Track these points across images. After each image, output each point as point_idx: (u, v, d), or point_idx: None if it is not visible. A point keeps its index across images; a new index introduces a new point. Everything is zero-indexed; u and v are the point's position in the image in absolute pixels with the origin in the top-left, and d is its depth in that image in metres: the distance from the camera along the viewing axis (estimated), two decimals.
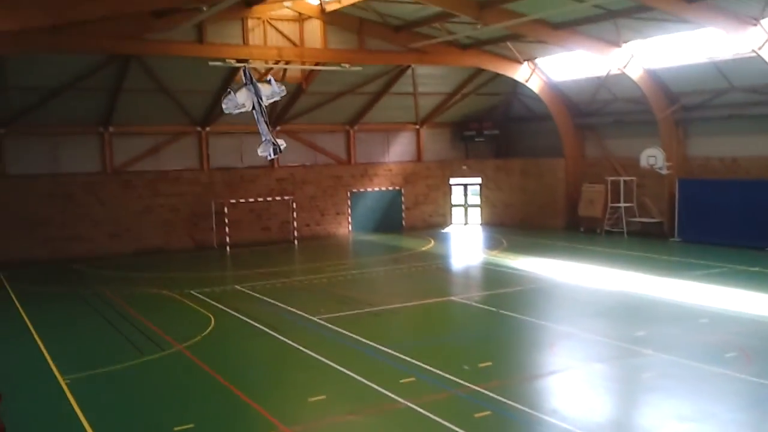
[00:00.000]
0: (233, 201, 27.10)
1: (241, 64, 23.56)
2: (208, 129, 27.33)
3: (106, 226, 25.80)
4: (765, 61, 20.12)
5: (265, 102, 7.91)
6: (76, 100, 23.88)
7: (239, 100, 7.77)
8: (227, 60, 23.23)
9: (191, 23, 20.66)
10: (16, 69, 21.81)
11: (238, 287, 19.20)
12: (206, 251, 26.51)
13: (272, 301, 17.23)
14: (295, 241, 27.91)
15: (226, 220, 26.61)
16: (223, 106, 7.87)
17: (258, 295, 17.95)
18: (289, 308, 16.31)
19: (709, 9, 19.30)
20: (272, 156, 7.94)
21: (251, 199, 27.67)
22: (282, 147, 7.86)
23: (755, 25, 19.66)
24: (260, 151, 7.90)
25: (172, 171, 26.92)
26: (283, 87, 8.16)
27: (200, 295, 17.97)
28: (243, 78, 7.91)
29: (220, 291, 18.76)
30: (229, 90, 7.83)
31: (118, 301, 17.68)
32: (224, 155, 27.91)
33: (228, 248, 26.39)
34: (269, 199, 28.15)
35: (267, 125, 7.75)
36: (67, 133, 25.15)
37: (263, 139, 7.81)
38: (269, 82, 8.04)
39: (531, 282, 18.80)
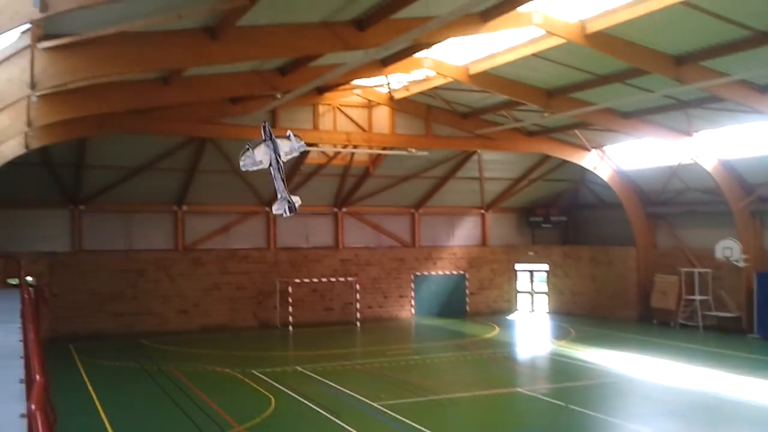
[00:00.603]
0: (297, 281, 27.35)
1: (311, 148, 24.31)
2: None
3: (175, 302, 26.35)
4: None
5: (284, 158, 7.69)
6: (152, 179, 24.94)
7: (257, 157, 7.51)
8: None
9: (266, 109, 21.52)
10: (96, 149, 22.95)
11: (299, 368, 19.10)
12: (269, 330, 26.63)
13: (333, 384, 17.02)
14: (358, 323, 27.77)
15: (290, 300, 26.79)
16: (241, 163, 7.52)
17: (319, 377, 17.78)
18: (349, 392, 16.06)
19: None
20: (287, 214, 7.73)
21: (315, 279, 27.88)
22: (297, 205, 7.66)
23: None
24: (275, 209, 7.74)
25: (241, 249, 27.50)
26: (302, 142, 7.80)
27: (262, 375, 17.93)
28: (263, 134, 7.73)
29: (281, 371, 18.69)
30: (247, 147, 7.51)
31: (182, 378, 17.80)
32: (290, 235, 28.42)
33: (290, 328, 26.45)
34: (333, 279, 28.29)
35: (284, 183, 7.58)
36: (142, 210, 26.16)
37: (279, 197, 7.63)
38: (288, 137, 7.70)
39: (601, 376, 18.01)
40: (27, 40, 10.83)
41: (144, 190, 25.28)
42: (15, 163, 18.08)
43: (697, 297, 25.51)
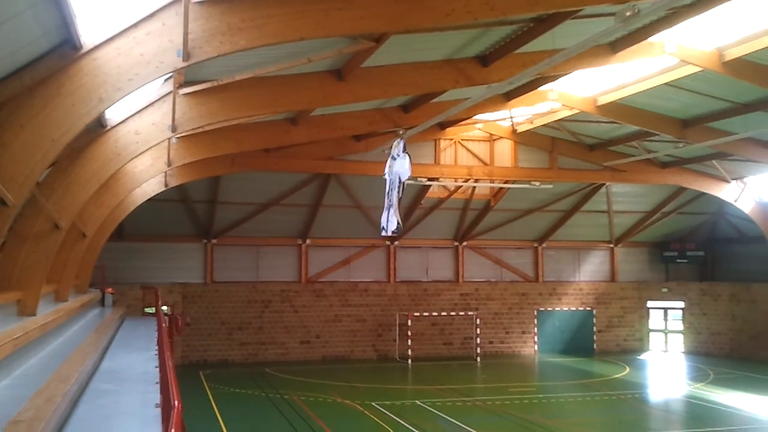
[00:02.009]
0: (417, 314, 27.26)
1: (432, 182, 24.33)
2: (396, 243, 28.14)
3: (298, 333, 26.99)
4: None
5: (404, 179, 8.12)
6: (278, 214, 25.80)
7: (395, 167, 7.92)
8: (419, 178, 24.05)
9: (388, 145, 21.73)
10: (227, 186, 24.09)
11: (418, 402, 18.93)
12: (388, 363, 26.66)
13: (452, 420, 16.72)
14: (478, 358, 27.25)
15: (409, 333, 26.72)
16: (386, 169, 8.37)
17: (438, 413, 17.54)
18: (469, 428, 15.70)
19: None
20: (389, 232, 8.34)
21: (434, 313, 27.69)
22: (400, 226, 8.23)
23: None
24: (383, 220, 8.19)
25: (361, 282, 27.82)
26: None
27: (381, 408, 17.91)
28: (399, 148, 8.24)
29: (400, 404, 18.60)
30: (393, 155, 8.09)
31: (304, 407, 18.09)
32: (410, 268, 28.48)
33: (409, 361, 26.34)
34: (452, 313, 28.00)
35: (399, 201, 7.93)
36: (269, 244, 27.08)
37: (388, 211, 8.00)
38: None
39: (741, 422, 16.67)
40: (169, 87, 11.52)
41: (271, 224, 26.19)
42: (155, 200, 19.30)
43: None
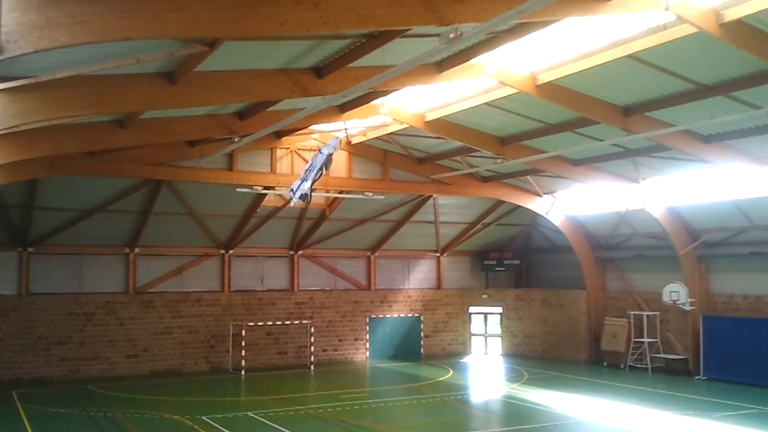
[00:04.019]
0: (251, 324, 27.01)
1: (268, 191, 24.34)
2: (231, 252, 27.75)
3: (124, 347, 25.75)
4: None
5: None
6: (105, 222, 24.52)
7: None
8: (254, 187, 23.96)
9: (223, 152, 21.51)
10: (47, 190, 22.55)
11: (250, 414, 18.78)
12: (221, 375, 26.16)
13: (285, 429, 16.77)
14: (312, 367, 27.48)
15: (243, 343, 26.40)
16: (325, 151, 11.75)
17: (271, 423, 17.51)
18: None
19: (726, 149, 19.74)
20: (296, 197, 10.30)
21: (269, 323, 27.58)
22: (308, 197, 11.16)
23: None
24: (294, 185, 10.21)
25: (194, 292, 27.12)
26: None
27: (212, 422, 17.57)
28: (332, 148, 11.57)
29: (232, 417, 18.36)
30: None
31: (128, 425, 17.33)
32: (245, 278, 28.19)
33: (243, 372, 26.02)
34: (287, 322, 28.04)
35: (313, 183, 11.09)
36: (93, 253, 25.64)
37: (304, 180, 10.87)
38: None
39: (552, 418, 18.17)
40: None
41: (95, 232, 24.82)
42: None
43: (646, 340, 26.07)
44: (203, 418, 18.02)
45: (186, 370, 26.44)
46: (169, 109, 15.82)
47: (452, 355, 31.16)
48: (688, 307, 24.49)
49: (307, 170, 11.17)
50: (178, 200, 24.55)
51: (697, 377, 24.10)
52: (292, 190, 11.80)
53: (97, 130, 16.88)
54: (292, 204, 11.99)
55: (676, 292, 24.57)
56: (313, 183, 10.49)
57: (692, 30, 13.20)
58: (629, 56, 14.96)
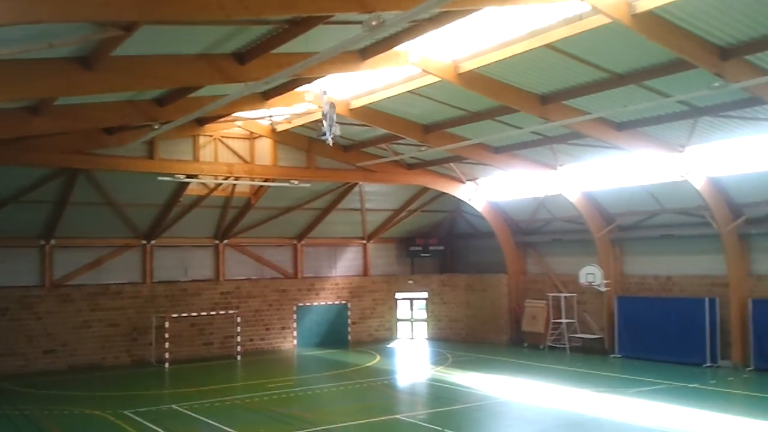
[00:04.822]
0: (175, 315, 26.53)
1: (191, 180, 23.91)
2: (153, 242, 27.13)
3: (41, 342, 24.85)
4: (692, 186, 21.41)
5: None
6: (18, 213, 23.51)
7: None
8: (176, 175, 23.48)
9: (142, 140, 21.00)
10: None
11: (175, 407, 18.49)
12: (144, 368, 25.61)
13: (211, 421, 16.60)
14: (238, 357, 27.24)
15: (167, 335, 25.91)
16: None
17: (196, 416, 17.30)
18: (228, 429, 15.75)
19: (638, 136, 20.66)
20: (328, 134, 14.64)
21: (194, 314, 27.15)
22: (335, 134, 14.96)
23: (681, 152, 21.06)
24: (326, 125, 14.57)
25: (114, 285, 26.40)
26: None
27: (135, 416, 17.21)
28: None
29: (156, 411, 18.04)
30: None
31: (47, 423, 16.80)
32: (168, 269, 27.61)
33: (167, 365, 25.56)
34: (213, 313, 27.67)
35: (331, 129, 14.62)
36: (5, 245, 24.58)
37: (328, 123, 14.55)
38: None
39: (476, 399, 18.69)
40: None
41: (7, 223, 23.76)
42: None
43: (564, 320, 27.05)
44: (126, 412, 17.63)
45: (107, 364, 25.76)
46: (85, 96, 15.30)
47: (379, 340, 31.49)
48: (603, 289, 25.56)
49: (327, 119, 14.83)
50: (96, 190, 23.80)
51: (612, 355, 25.20)
52: (328, 132, 14.87)
53: (8, 117, 16.18)
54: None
55: (592, 274, 25.59)
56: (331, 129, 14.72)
57: (606, 20, 13.74)
58: (546, 46, 15.44)
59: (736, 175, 21.04)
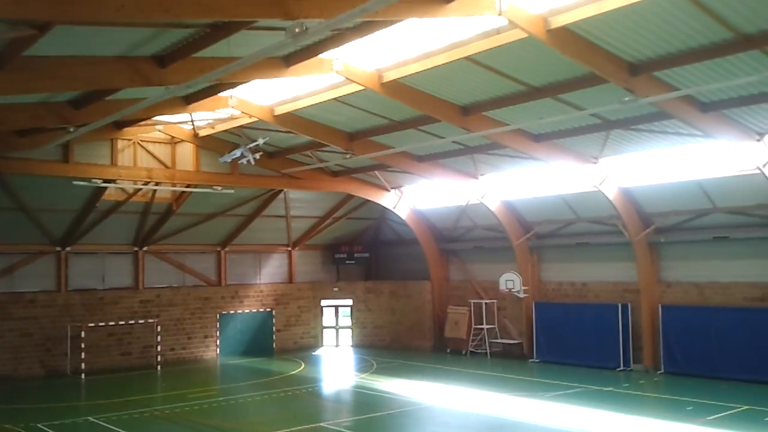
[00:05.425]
0: (92, 324, 25.67)
1: (108, 185, 23.28)
2: (68, 249, 26.20)
3: None
4: (605, 196, 22.31)
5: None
6: None
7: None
8: (93, 180, 22.82)
9: (57, 143, 20.30)
10: None
11: (91, 419, 17.91)
12: (59, 379, 24.67)
13: None
14: (158, 367, 26.59)
15: (83, 345, 25.03)
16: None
17: (114, 428, 16.81)
18: None
19: (555, 148, 21.38)
20: (246, 156, 15.83)
21: (111, 323, 26.34)
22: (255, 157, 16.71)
23: (595, 163, 21.93)
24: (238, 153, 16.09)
25: (27, 293, 25.35)
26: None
27: (48, 428, 16.61)
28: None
29: (70, 423, 17.45)
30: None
31: None
32: (84, 276, 26.71)
33: (83, 375, 24.70)
34: (132, 322, 26.92)
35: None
36: None
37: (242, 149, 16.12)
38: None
39: (399, 405, 18.88)
40: None
41: None
42: None
43: (485, 326, 27.66)
44: (39, 425, 16.98)
45: (18, 376, 24.68)
46: None
47: (304, 348, 31.35)
48: (522, 295, 26.27)
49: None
50: (7, 194, 22.87)
51: (531, 360, 25.90)
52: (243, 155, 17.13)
53: None
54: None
55: (511, 281, 26.27)
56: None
57: (522, 35, 14.22)
58: (466, 58, 15.84)
59: (646, 186, 22.06)
